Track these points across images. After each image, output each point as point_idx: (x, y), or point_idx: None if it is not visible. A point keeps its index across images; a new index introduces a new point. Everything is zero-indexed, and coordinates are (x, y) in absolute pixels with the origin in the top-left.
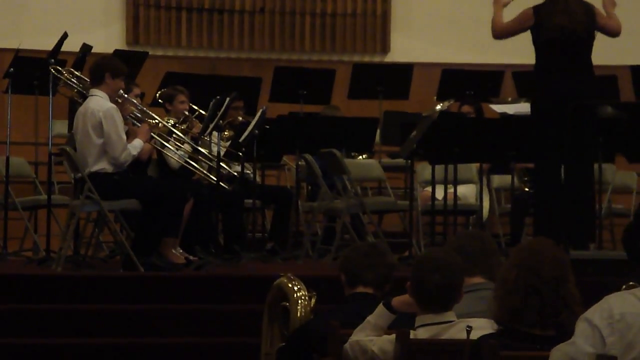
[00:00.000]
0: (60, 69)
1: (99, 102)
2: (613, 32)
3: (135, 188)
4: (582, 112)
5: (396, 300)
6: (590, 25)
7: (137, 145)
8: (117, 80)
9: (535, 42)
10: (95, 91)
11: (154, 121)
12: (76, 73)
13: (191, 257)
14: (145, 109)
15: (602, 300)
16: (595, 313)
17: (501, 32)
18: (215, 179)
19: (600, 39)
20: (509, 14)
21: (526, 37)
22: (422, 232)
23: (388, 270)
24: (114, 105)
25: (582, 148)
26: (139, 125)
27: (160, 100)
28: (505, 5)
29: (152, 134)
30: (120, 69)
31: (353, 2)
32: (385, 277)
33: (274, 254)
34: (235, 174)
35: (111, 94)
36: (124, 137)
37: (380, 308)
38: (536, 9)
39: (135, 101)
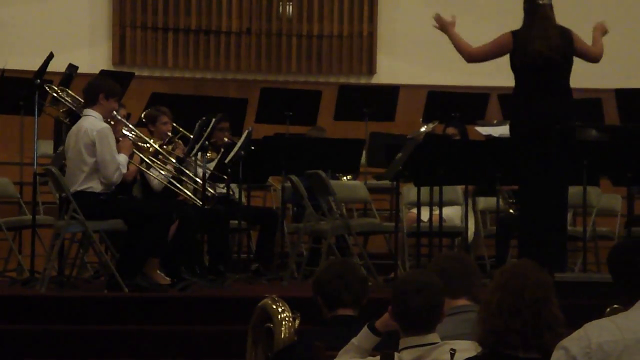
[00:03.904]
0: (55, 87)
1: (92, 122)
2: (592, 58)
3: (120, 208)
4: (564, 134)
5: (380, 323)
6: (568, 50)
7: (122, 161)
8: (111, 101)
9: (513, 66)
10: (89, 111)
11: (146, 145)
12: (70, 92)
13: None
14: (137, 131)
15: (581, 328)
16: (573, 341)
17: (475, 56)
18: (199, 200)
19: (585, 63)
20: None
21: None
22: (408, 254)
23: (363, 286)
24: (107, 126)
25: (559, 171)
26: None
27: (144, 121)
28: (454, 25)
29: (140, 155)
30: (114, 90)
31: (339, 24)
32: (362, 293)
33: (259, 275)
34: (217, 194)
35: (105, 115)
36: (117, 157)
37: (365, 331)
38: (514, 34)
39: (127, 123)
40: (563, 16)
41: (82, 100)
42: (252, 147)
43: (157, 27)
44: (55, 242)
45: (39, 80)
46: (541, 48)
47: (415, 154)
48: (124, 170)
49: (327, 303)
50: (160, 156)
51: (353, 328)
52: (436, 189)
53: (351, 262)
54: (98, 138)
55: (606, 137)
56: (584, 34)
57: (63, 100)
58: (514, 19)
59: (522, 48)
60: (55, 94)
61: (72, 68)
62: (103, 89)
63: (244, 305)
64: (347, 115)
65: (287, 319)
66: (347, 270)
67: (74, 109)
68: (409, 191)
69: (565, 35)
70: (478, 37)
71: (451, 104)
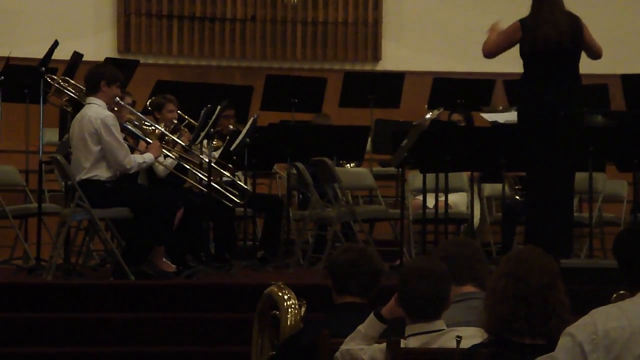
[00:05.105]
0: (57, 78)
1: (96, 110)
2: (596, 53)
3: (126, 196)
4: (571, 120)
5: (386, 310)
6: (577, 35)
7: (146, 157)
8: (112, 87)
9: (522, 53)
10: (92, 99)
11: (150, 128)
12: (71, 81)
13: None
14: (141, 115)
15: (588, 314)
16: (579, 328)
17: (490, 50)
18: (204, 188)
19: None
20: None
21: (517, 47)
22: (413, 241)
23: (374, 277)
24: (111, 114)
25: (565, 157)
26: (148, 140)
27: (150, 108)
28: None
29: (146, 140)
30: (115, 76)
31: (344, 11)
32: (371, 283)
33: (265, 262)
34: (247, 187)
35: (108, 102)
36: (124, 143)
37: (371, 318)
38: (522, 21)
39: (132, 109)
40: (569, 3)
41: (84, 89)
42: (257, 134)
43: (162, 14)
44: (61, 230)
45: (44, 68)
46: (550, 33)
47: (421, 141)
48: (140, 161)
49: (336, 287)
50: (164, 142)
51: (361, 315)
52: (442, 175)
53: (369, 252)
54: (102, 127)
55: (612, 123)
56: (589, 24)
57: (66, 90)
58: (520, 5)
59: (530, 34)
60: (57, 85)
61: (77, 56)
62: (104, 76)
63: (250, 293)
64: (353, 102)
65: (293, 306)
66: (360, 259)
67: (77, 98)
68: (415, 178)
69: (575, 21)
70: (483, 24)
71: (456, 91)
